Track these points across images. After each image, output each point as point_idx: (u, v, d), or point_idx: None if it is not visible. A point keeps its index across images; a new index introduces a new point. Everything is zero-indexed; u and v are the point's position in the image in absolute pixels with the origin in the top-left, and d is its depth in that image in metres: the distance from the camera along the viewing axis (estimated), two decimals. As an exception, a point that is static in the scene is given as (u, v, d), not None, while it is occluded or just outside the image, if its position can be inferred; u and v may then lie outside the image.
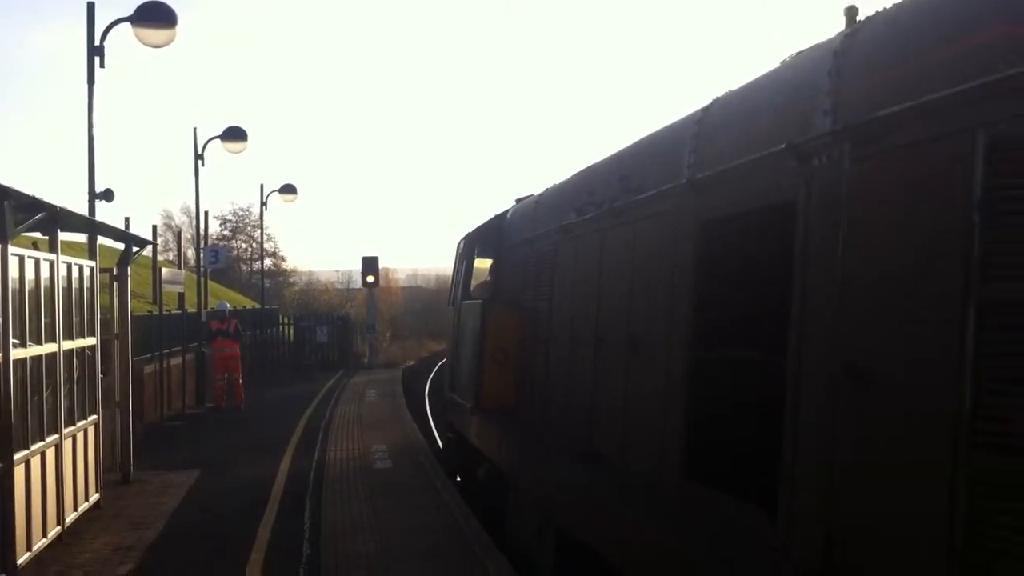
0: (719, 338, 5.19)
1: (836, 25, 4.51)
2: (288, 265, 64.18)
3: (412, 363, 35.41)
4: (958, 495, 3.18)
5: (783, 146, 4.42)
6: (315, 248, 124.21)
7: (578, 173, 8.75)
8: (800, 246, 4.35)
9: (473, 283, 13.03)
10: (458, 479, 13.08)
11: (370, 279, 34.00)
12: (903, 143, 3.68)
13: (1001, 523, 3.06)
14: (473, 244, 12.92)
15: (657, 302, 6.09)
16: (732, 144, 5.21)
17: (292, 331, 34.94)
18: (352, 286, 53.15)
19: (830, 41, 4.45)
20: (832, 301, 4.06)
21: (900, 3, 4.08)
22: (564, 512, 7.51)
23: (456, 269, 14.25)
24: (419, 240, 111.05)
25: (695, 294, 5.51)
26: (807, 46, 4.77)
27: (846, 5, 4.43)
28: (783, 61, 5.04)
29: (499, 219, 12.24)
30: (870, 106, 3.86)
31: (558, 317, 8.62)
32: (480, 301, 11.41)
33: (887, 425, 3.61)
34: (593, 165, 8.33)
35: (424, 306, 52.08)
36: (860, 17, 4.34)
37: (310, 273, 65.09)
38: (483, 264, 13.03)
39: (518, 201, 11.69)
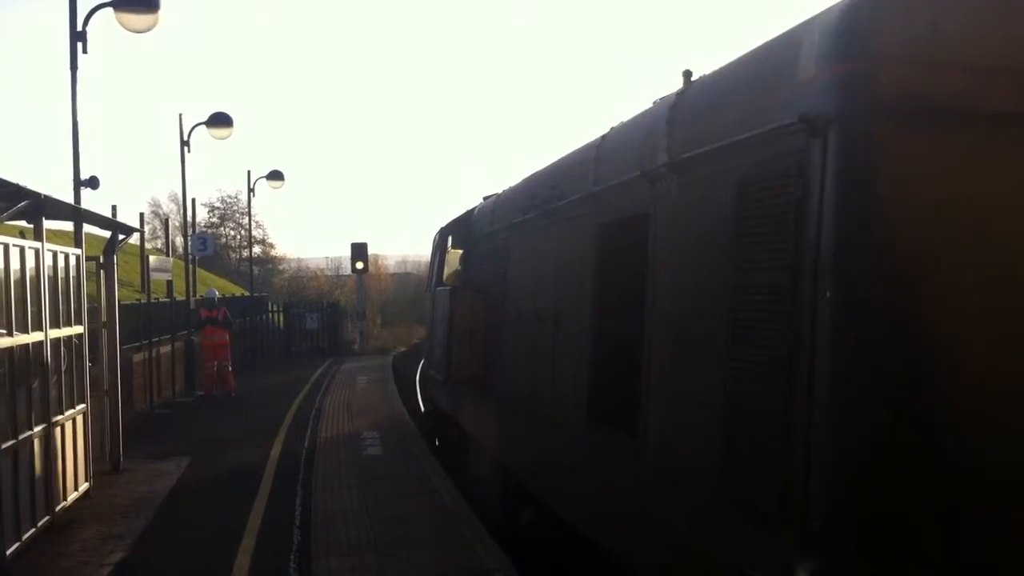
0: (610, 315, 6.85)
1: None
2: (277, 252, 64.03)
3: (403, 349, 35.36)
4: (724, 404, 4.86)
5: (634, 175, 6.24)
6: (304, 235, 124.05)
7: (526, 178, 10.25)
8: (651, 246, 5.98)
9: (447, 271, 14.51)
10: (436, 443, 14.74)
11: (359, 265, 33.89)
12: (699, 176, 5.36)
13: (744, 421, 4.71)
14: (446, 236, 14.49)
15: (572, 286, 7.68)
16: (616, 167, 6.79)
17: (282, 318, 34.85)
18: (342, 273, 52.98)
19: (669, 97, 6.08)
20: (669, 289, 5.74)
21: (704, 78, 5.78)
22: (508, 455, 9.70)
23: (432, 259, 15.89)
24: (409, 226, 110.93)
25: (595, 280, 7.14)
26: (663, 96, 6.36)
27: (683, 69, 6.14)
28: (653, 102, 6.47)
29: (468, 214, 13.58)
30: (686, 148, 5.50)
31: (510, 300, 10.06)
32: (450, 287, 12.96)
33: (694, 369, 5.32)
34: (536, 172, 9.79)
35: (414, 292, 51.82)
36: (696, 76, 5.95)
37: (299, 260, 64.98)
38: (456, 254, 14.42)
39: (485, 199, 12.91)
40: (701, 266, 5.29)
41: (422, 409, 18.99)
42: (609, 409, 6.63)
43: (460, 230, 13.86)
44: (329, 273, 58.19)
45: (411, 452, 13.67)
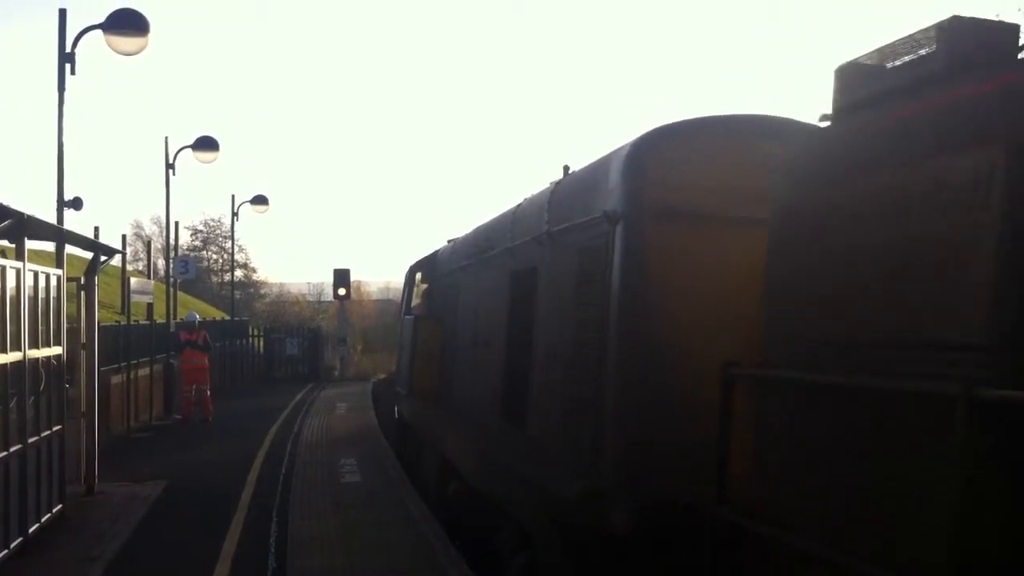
0: (515, 340, 8.87)
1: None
2: (259, 276, 63.82)
3: (383, 376, 35.23)
4: (566, 396, 7.15)
5: (531, 238, 8.55)
6: (287, 260, 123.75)
7: (474, 230, 12.31)
8: (538, 291, 8.25)
9: (415, 302, 17.04)
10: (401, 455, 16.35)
11: (342, 292, 33.87)
12: (562, 243, 7.69)
13: (575, 406, 7.00)
14: (415, 272, 17.11)
15: (495, 317, 9.81)
16: (522, 230, 9.08)
17: (262, 343, 34.69)
18: (324, 299, 52.81)
19: (553, 183, 8.52)
20: (546, 321, 7.97)
21: (569, 175, 8.35)
22: (447, 448, 11.89)
23: (404, 291, 18.70)
24: (392, 254, 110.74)
25: (508, 314, 9.31)
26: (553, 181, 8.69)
27: (564, 164, 8.70)
28: (551, 183, 8.60)
29: (434, 255, 15.68)
30: (556, 223, 7.83)
31: (459, 327, 12.10)
32: (414, 316, 15.37)
33: (554, 375, 7.49)
34: (480, 226, 11.93)
35: (395, 320, 51.75)
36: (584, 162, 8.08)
37: (281, 285, 64.64)
38: (422, 288, 16.83)
39: (448, 241, 14.79)
40: (562, 305, 7.54)
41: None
42: (512, 408, 8.77)
43: (426, 267, 16.06)
44: (311, 299, 57.96)
45: (389, 479, 13.62)
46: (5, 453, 8.80)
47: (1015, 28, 4.72)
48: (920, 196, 4.37)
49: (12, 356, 8.97)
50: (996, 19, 5.15)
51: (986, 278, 4.00)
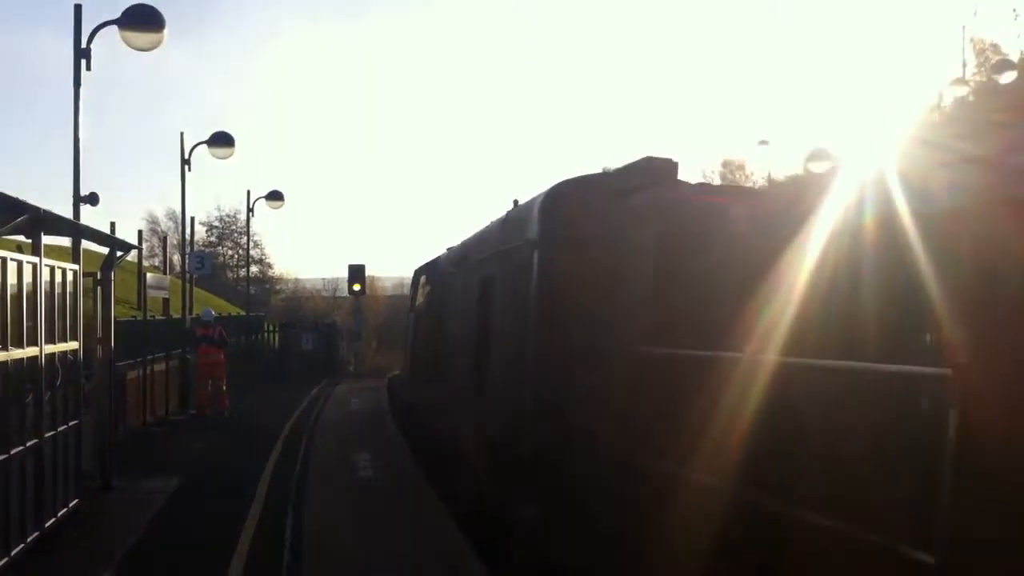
0: (483, 330, 11.07)
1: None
2: (275, 272, 64.00)
3: (398, 372, 35.28)
4: (505, 365, 9.93)
5: (491, 253, 11.07)
6: (302, 255, 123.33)
7: (461, 243, 14.61)
8: (495, 293, 10.68)
9: (419, 300, 19.18)
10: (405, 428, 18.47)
11: (356, 287, 33.93)
12: (508, 259, 10.04)
13: (512, 372, 9.66)
14: (420, 275, 19.53)
15: (469, 314, 12.04)
16: (488, 246, 11.53)
17: (278, 338, 34.78)
18: (339, 294, 52.90)
19: (500, 218, 11.26)
20: (501, 313, 10.32)
21: (516, 206, 11.21)
22: (433, 417, 14.50)
23: (411, 291, 21.48)
24: (406, 250, 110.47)
25: (477, 311, 11.45)
26: (512, 212, 11.14)
27: (513, 198, 11.72)
28: (507, 212, 11.27)
29: (435, 260, 17.71)
30: (505, 244, 10.36)
31: (447, 322, 14.52)
32: (415, 313, 18.74)
33: (502, 351, 9.98)
34: (464, 240, 14.25)
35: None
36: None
37: (296, 280, 64.80)
38: (425, 288, 18.75)
39: (448, 249, 16.66)
40: (505, 304, 10.12)
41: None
42: (476, 380, 11.12)
43: (429, 270, 18.29)
44: (326, 294, 58.09)
45: (403, 475, 13.63)
46: (22, 448, 8.83)
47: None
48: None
49: (29, 351, 9.00)
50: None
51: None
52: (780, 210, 7.35)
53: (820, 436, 5.16)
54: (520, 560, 8.63)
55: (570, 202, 8.95)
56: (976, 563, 4.08)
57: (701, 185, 10.47)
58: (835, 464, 4.98)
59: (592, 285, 8.35)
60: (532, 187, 10.86)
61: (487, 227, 12.21)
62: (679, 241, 7.53)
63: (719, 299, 6.61)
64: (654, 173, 8.80)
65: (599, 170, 11.25)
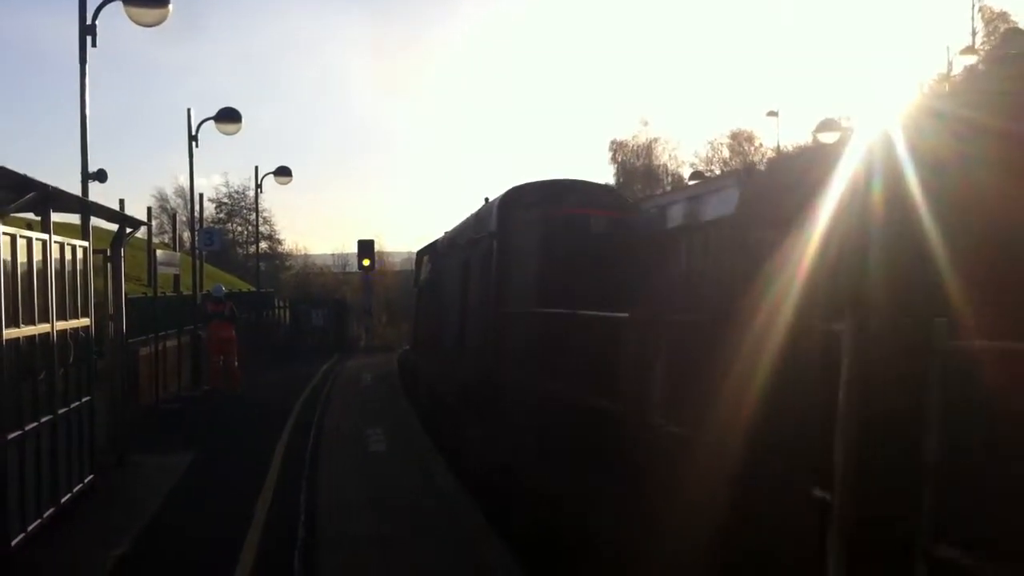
0: (465, 301, 13.57)
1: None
2: (284, 248, 64.10)
3: (408, 347, 35.36)
4: (478, 325, 12.70)
5: (467, 240, 13.98)
6: (311, 231, 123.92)
7: (453, 228, 17.22)
8: (470, 273, 13.42)
9: (421, 277, 21.42)
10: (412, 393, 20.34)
11: (366, 262, 33.95)
12: (478, 244, 12.99)
13: (483, 329, 12.42)
14: (423, 255, 21.80)
15: (456, 289, 14.50)
16: (468, 233, 14.07)
17: (288, 314, 34.86)
18: (348, 269, 52.96)
19: (474, 213, 14.58)
20: (476, 287, 12.93)
21: (486, 204, 14.50)
22: (430, 376, 17.09)
23: (416, 269, 24.04)
24: (416, 225, 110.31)
25: (460, 287, 13.99)
26: (481, 206, 14.61)
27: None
28: (479, 208, 14.26)
29: (435, 242, 19.66)
30: (477, 232, 13.19)
31: (443, 295, 16.59)
32: (417, 288, 21.75)
33: (476, 317, 12.74)
34: (455, 226, 16.90)
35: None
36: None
37: (306, 256, 64.98)
38: (427, 267, 20.76)
39: (445, 233, 18.67)
40: (476, 281, 12.80)
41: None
42: (459, 341, 13.66)
43: (430, 251, 20.31)
44: (336, 269, 58.19)
45: (414, 448, 13.68)
46: (36, 424, 8.88)
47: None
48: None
49: (40, 328, 9.03)
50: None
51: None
52: (632, 218, 11.54)
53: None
54: (472, 469, 11.50)
55: (516, 206, 11.95)
56: None
57: (577, 202, 12.31)
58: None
59: (523, 266, 11.41)
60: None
61: (466, 219, 15.33)
62: (557, 240, 11.24)
63: (582, 278, 9.95)
64: (545, 194, 12.13)
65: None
